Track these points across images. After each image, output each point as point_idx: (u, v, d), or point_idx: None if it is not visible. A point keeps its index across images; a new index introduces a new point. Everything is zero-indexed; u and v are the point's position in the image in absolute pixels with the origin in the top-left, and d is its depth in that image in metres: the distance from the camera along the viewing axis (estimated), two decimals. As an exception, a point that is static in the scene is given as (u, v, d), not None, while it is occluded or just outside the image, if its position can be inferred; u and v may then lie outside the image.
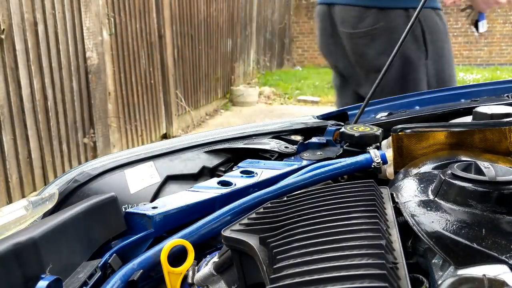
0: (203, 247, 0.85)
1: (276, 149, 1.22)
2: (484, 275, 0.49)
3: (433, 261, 0.60)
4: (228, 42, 7.87)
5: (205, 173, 1.15)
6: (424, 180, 0.77)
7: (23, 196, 3.50)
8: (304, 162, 1.13)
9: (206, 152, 1.19)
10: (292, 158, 1.20)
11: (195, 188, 0.98)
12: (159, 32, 5.47)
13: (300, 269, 0.52)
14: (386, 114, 1.52)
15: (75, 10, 3.94)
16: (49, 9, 3.63)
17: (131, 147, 4.94)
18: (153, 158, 1.10)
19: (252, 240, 0.65)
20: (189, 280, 0.76)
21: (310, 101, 8.18)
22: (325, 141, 1.27)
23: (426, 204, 0.67)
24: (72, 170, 1.03)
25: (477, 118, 1.15)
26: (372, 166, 0.99)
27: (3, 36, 3.19)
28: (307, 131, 1.38)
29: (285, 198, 0.79)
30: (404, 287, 0.49)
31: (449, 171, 0.68)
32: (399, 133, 0.97)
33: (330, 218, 0.62)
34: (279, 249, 0.59)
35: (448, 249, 0.57)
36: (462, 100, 1.63)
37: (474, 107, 1.19)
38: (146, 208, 0.88)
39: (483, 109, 1.15)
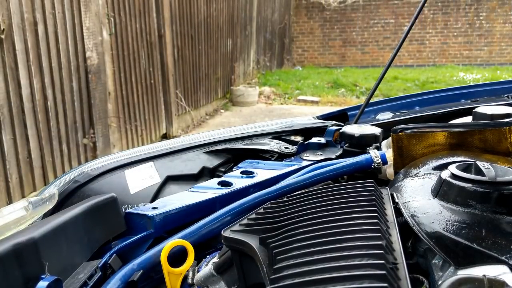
0: (203, 247, 0.85)
1: (276, 150, 1.22)
2: (484, 275, 0.49)
3: (433, 261, 0.60)
4: (228, 42, 7.87)
5: (205, 173, 1.15)
6: (424, 180, 0.77)
7: (23, 196, 3.50)
8: (304, 163, 1.13)
9: (206, 152, 1.19)
10: (292, 158, 1.20)
11: (195, 189, 0.98)
12: (159, 32, 5.47)
13: (301, 270, 0.52)
14: (386, 114, 1.52)
15: (75, 10, 3.94)
16: (49, 9, 3.63)
17: (131, 147, 4.94)
18: (153, 159, 1.10)
19: (252, 241, 0.65)
20: (189, 281, 0.76)
21: (310, 101, 8.19)
22: (325, 142, 1.27)
23: (426, 205, 0.67)
24: (72, 171, 1.03)
25: (477, 118, 1.15)
26: (372, 166, 0.99)
27: (3, 36, 3.18)
28: (307, 132, 1.38)
29: (285, 199, 0.79)
30: (404, 287, 0.49)
31: (449, 172, 0.68)
32: (399, 134, 0.97)
33: (330, 219, 0.62)
34: (279, 250, 0.59)
35: (448, 249, 0.57)
36: (462, 101, 1.63)
37: (474, 108, 1.19)
38: (146, 209, 0.88)
39: (483, 109, 1.15)
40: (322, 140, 1.28)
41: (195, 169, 1.13)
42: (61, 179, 1.00)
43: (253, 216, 0.74)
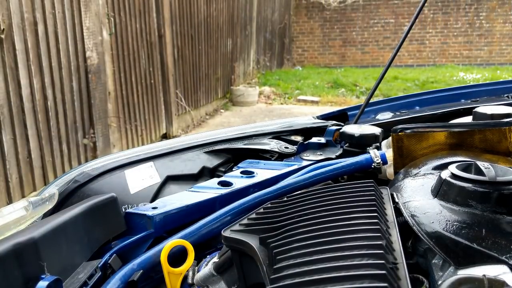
0: (203, 247, 0.85)
1: (276, 150, 1.22)
2: (484, 275, 0.49)
3: (433, 261, 0.60)
4: (228, 42, 7.87)
5: (205, 173, 1.15)
6: (424, 180, 0.77)
7: (23, 196, 3.50)
8: (304, 163, 1.13)
9: (206, 152, 1.19)
10: (292, 158, 1.20)
11: (195, 189, 0.98)
12: (159, 32, 5.47)
13: (300, 269, 0.52)
14: (386, 114, 1.52)
15: (75, 10, 3.94)
16: (49, 9, 3.63)
17: (131, 147, 4.94)
18: (153, 159, 1.10)
19: (252, 241, 0.65)
20: (189, 281, 0.76)
21: (310, 101, 8.19)
22: (325, 142, 1.27)
23: (426, 204, 0.67)
24: (72, 171, 1.03)
25: (477, 118, 1.15)
26: (372, 166, 0.99)
27: (3, 36, 3.18)
28: (307, 132, 1.38)
29: (285, 198, 0.79)
30: (404, 287, 0.49)
31: (449, 171, 0.68)
32: (399, 133, 0.97)
33: (330, 219, 0.62)
34: (279, 249, 0.59)
35: (448, 249, 0.57)
36: (462, 101, 1.63)
37: (474, 107, 1.19)
38: (146, 209, 0.88)
39: (483, 109, 1.15)
40: (322, 140, 1.28)
41: (195, 169, 1.13)
42: (61, 179, 1.00)
43: (253, 216, 0.74)
